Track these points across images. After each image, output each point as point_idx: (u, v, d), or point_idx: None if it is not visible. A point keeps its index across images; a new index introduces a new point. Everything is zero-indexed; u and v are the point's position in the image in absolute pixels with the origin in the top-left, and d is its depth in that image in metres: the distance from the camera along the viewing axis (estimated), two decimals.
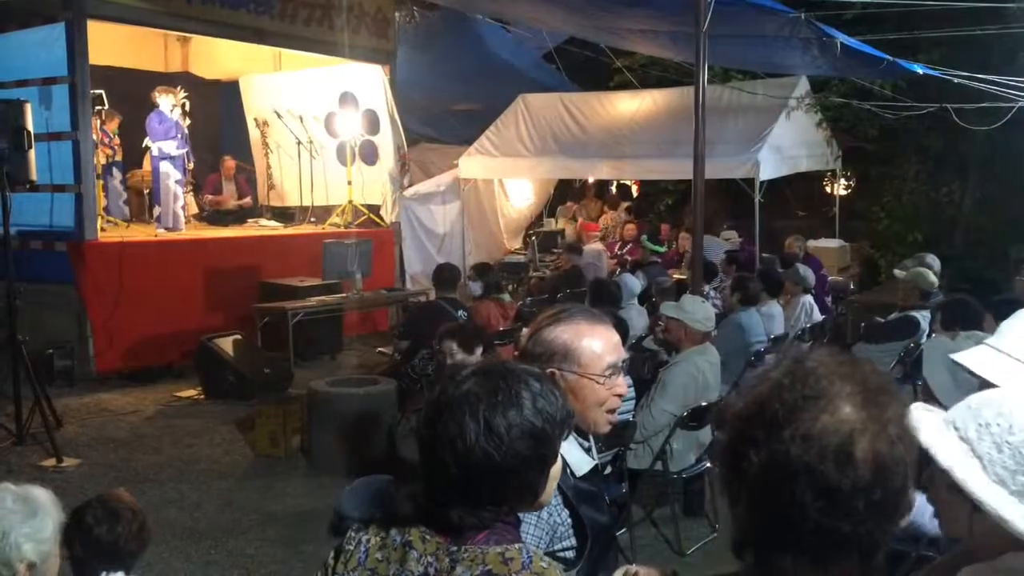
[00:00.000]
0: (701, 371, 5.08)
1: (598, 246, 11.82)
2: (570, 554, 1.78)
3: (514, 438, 1.39)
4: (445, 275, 7.13)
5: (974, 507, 1.45)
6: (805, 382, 1.15)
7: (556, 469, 1.50)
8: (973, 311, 4.84)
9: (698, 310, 5.22)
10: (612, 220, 13.48)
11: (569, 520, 1.79)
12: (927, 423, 1.52)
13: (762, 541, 1.18)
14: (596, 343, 1.93)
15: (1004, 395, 1.56)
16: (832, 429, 1.11)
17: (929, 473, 1.53)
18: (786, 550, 1.15)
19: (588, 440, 2.04)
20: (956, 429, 1.49)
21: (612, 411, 1.97)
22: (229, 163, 11.85)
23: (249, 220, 11.72)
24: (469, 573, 1.39)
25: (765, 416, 1.16)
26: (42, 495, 2.29)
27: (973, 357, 2.13)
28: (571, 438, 1.80)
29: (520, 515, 1.55)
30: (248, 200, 11.99)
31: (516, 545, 1.44)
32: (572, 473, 1.88)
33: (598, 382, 1.91)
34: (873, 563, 1.15)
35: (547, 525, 1.75)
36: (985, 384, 2.06)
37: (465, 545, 1.42)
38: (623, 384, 1.97)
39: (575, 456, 1.90)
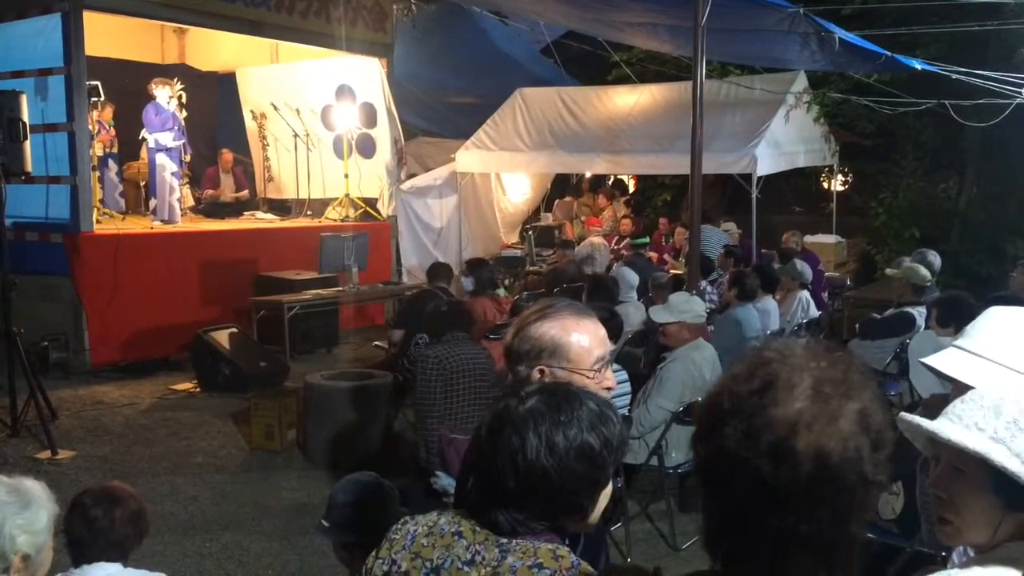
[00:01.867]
0: (698, 367, 5.09)
1: (597, 240, 11.81)
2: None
3: (572, 458, 1.43)
4: (439, 269, 7.37)
5: (1007, 507, 1.45)
6: (757, 374, 1.12)
7: (606, 494, 1.53)
8: (968, 307, 4.84)
9: (691, 306, 5.25)
10: (610, 214, 13.47)
11: None
12: (950, 428, 1.50)
13: (720, 539, 1.15)
14: (584, 338, 1.92)
15: (1010, 389, 1.56)
16: (775, 423, 1.07)
17: (945, 477, 1.52)
18: (740, 547, 1.12)
19: None
20: (981, 430, 1.48)
21: None
22: (227, 156, 11.84)
23: (245, 213, 11.72)
24: (521, 563, 1.41)
25: (714, 410, 1.14)
26: (35, 487, 2.30)
27: (942, 360, 2.13)
28: None
29: None
30: (245, 193, 11.97)
31: (567, 548, 1.48)
32: None
33: (588, 376, 1.90)
34: (834, 562, 1.10)
35: None
36: (959, 385, 2.06)
37: (516, 539, 1.45)
38: (611, 377, 1.97)
39: None
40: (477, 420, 4.26)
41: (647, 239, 11.36)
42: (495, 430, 1.47)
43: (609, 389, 1.96)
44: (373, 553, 1.58)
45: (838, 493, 1.06)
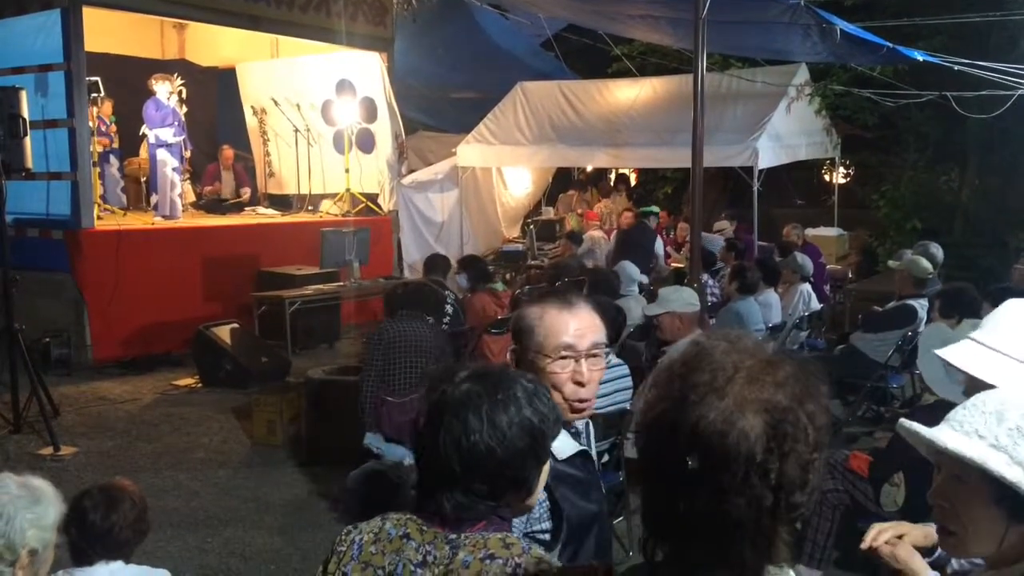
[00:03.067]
0: None
1: (596, 233, 11.80)
2: (546, 537, 1.77)
3: (514, 434, 1.45)
4: (436, 262, 7.38)
5: (1012, 518, 1.41)
6: (681, 359, 1.13)
7: (545, 470, 1.56)
8: (971, 299, 4.84)
9: (679, 295, 5.25)
10: (607, 208, 13.45)
11: (547, 503, 1.78)
12: (949, 435, 1.46)
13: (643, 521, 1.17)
14: (557, 323, 1.92)
15: (1014, 394, 1.52)
16: (670, 393, 1.09)
17: (946, 487, 1.48)
18: (654, 529, 1.14)
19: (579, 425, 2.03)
20: (982, 437, 1.43)
21: (573, 399, 1.92)
22: (228, 152, 11.82)
23: (246, 208, 11.70)
24: (472, 557, 1.41)
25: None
26: (44, 484, 2.32)
27: (958, 353, 2.09)
28: None
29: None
30: (247, 191, 11.94)
31: (515, 534, 1.50)
32: (552, 456, 1.86)
33: (549, 357, 1.89)
34: (717, 550, 1.06)
35: None
36: (972, 379, 2.03)
37: (465, 533, 1.45)
38: (582, 371, 1.91)
39: (558, 440, 1.88)
40: (411, 388, 4.78)
41: (655, 208, 11.18)
42: (434, 419, 1.47)
43: (580, 383, 1.91)
44: (320, 569, 1.55)
45: (715, 469, 1.03)
